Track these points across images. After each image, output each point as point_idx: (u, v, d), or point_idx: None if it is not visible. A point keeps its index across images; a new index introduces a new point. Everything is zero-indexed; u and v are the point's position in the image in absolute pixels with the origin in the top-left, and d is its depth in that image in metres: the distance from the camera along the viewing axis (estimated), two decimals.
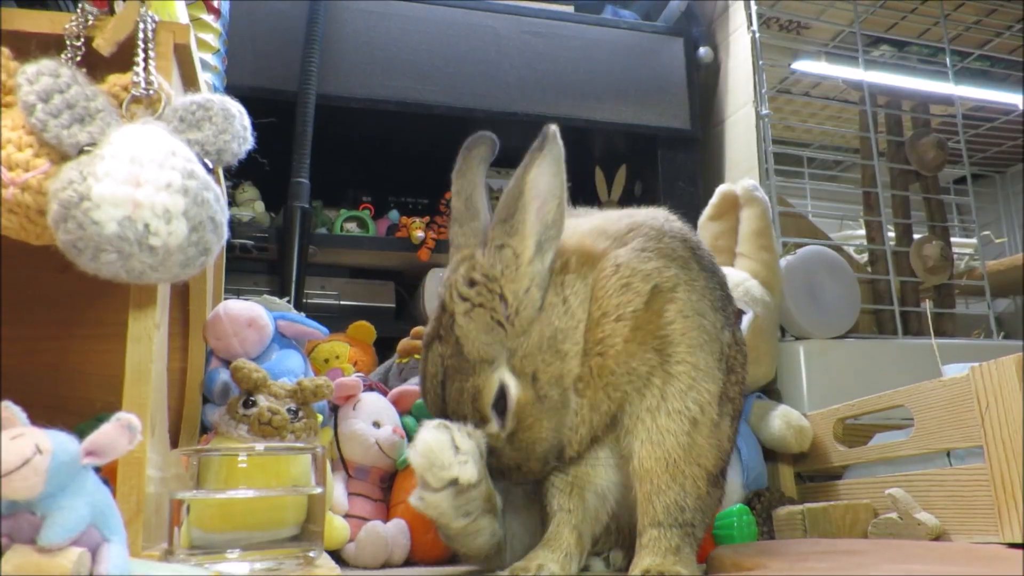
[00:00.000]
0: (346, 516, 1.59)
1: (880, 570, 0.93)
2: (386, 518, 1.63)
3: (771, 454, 1.87)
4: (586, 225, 1.14)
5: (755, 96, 2.46)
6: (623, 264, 1.06)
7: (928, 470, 1.41)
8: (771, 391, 2.07)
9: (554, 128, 1.04)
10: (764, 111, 2.42)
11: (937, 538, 1.32)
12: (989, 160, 3.59)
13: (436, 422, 0.98)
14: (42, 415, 0.87)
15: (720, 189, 2.14)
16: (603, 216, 1.21)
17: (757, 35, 2.50)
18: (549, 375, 1.01)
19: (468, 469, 0.95)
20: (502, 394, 1.00)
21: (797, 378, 2.06)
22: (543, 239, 1.03)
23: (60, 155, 1.00)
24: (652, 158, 2.72)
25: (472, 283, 1.01)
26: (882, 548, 1.19)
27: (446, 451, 0.95)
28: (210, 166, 1.09)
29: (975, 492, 1.28)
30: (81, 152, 0.98)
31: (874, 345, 2.21)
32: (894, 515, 1.38)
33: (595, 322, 1.05)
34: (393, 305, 2.60)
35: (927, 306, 2.32)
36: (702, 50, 2.72)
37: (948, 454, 1.41)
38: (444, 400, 1.01)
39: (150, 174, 0.96)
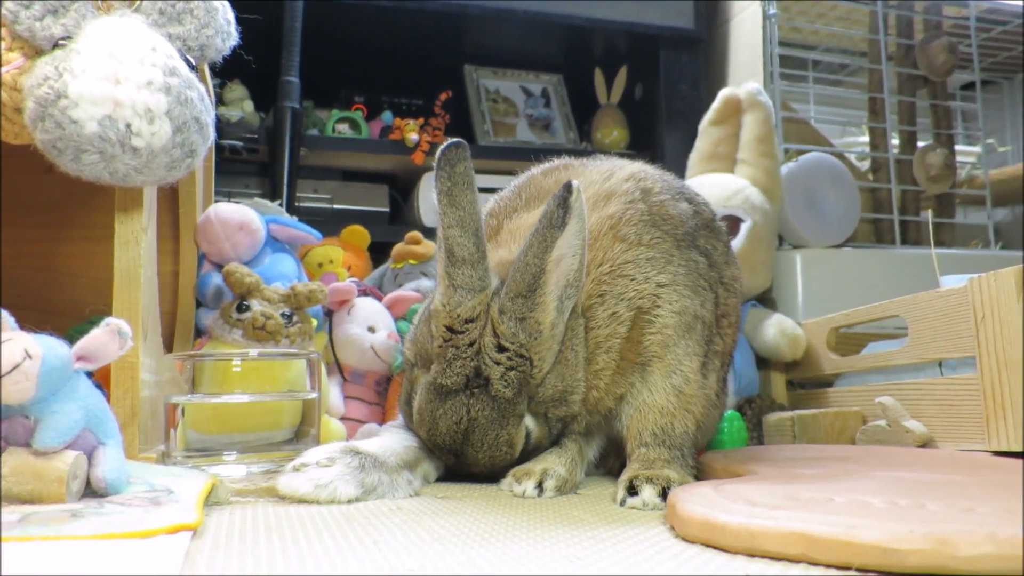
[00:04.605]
0: (342, 419, 1.61)
1: (867, 475, 0.95)
2: (382, 421, 1.65)
3: (764, 361, 1.89)
4: None
5: None
6: (607, 293, 1.10)
7: (919, 379, 1.43)
8: (766, 299, 2.07)
9: (576, 187, 0.99)
10: (772, 11, 2.33)
11: (924, 445, 1.34)
12: (997, 66, 3.49)
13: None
14: (32, 318, 0.86)
15: (723, 93, 2.08)
16: None
17: None
18: (556, 415, 1.10)
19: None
20: (526, 436, 1.07)
21: (793, 286, 2.06)
22: (564, 298, 1.04)
23: (34, 49, 0.95)
24: (654, 59, 2.64)
25: (502, 349, 1.03)
26: (870, 455, 1.21)
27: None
28: (193, 63, 1.04)
29: (965, 401, 1.29)
30: (55, 46, 0.94)
31: (871, 254, 2.20)
32: (883, 423, 1.40)
33: (591, 352, 1.10)
34: (387, 209, 2.57)
35: (928, 216, 2.30)
36: None
37: (940, 364, 1.42)
38: (464, 443, 1.04)
39: (130, 71, 0.92)
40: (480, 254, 1.06)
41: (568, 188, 0.98)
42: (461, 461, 1.07)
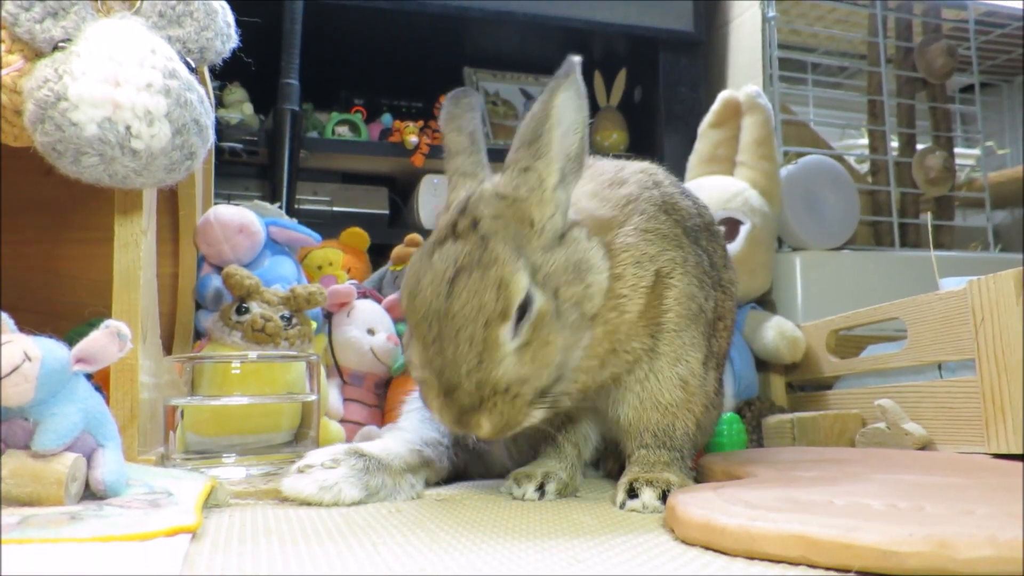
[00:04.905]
0: (341, 421, 1.61)
1: (866, 477, 0.95)
2: (381, 423, 1.65)
3: (763, 364, 1.88)
4: (578, 190, 1.10)
5: None
6: (631, 244, 1.07)
7: (919, 382, 1.43)
8: (766, 302, 2.07)
9: (577, 59, 1.00)
10: (771, 13, 2.34)
11: (923, 448, 1.34)
12: (996, 68, 3.49)
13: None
14: (31, 320, 0.86)
15: (722, 95, 2.09)
16: (590, 176, 1.17)
17: None
18: (570, 295, 0.97)
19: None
20: (524, 304, 0.91)
21: (792, 289, 2.06)
22: (566, 170, 1.00)
23: (34, 51, 0.95)
24: (653, 62, 2.64)
25: (501, 197, 0.96)
26: (869, 457, 1.21)
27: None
28: (193, 65, 1.04)
29: (964, 404, 1.29)
30: (55, 49, 0.94)
31: (871, 257, 2.20)
32: (882, 425, 1.40)
33: (614, 277, 1.03)
34: (387, 211, 2.57)
35: (927, 218, 2.30)
36: None
37: (939, 366, 1.42)
38: (449, 296, 0.89)
39: (129, 73, 0.92)
40: (474, 147, 1.09)
41: (570, 57, 1.01)
42: (444, 364, 0.90)
